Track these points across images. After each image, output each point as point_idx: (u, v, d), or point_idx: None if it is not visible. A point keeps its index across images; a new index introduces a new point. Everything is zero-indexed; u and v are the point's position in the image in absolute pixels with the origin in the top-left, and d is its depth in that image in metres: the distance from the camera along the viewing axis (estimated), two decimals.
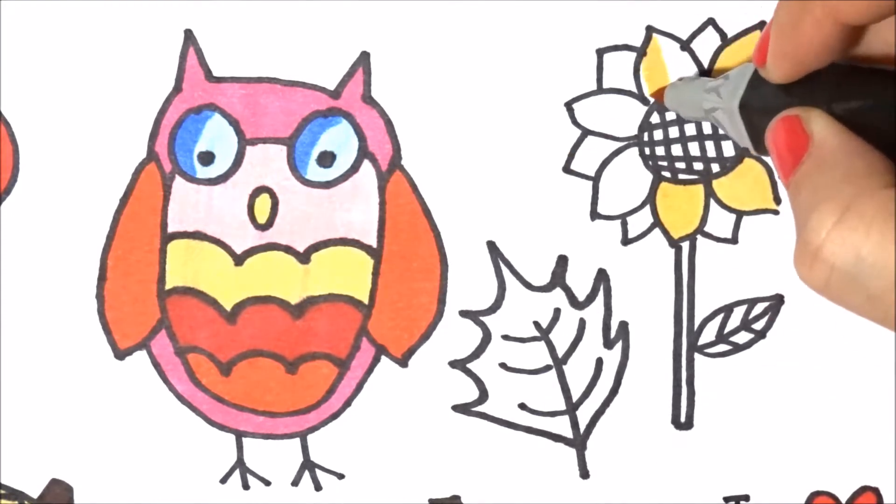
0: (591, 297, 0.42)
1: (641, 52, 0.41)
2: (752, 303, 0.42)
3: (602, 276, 0.42)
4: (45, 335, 0.42)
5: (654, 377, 0.42)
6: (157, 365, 0.42)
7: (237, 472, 0.43)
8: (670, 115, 0.42)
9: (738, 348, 0.42)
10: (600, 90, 0.42)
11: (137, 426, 0.42)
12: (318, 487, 0.43)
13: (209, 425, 0.43)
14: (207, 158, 0.42)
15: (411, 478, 0.43)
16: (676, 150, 0.42)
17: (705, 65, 0.41)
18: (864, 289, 0.27)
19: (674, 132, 0.42)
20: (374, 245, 0.42)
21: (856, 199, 0.27)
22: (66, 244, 0.42)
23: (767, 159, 0.42)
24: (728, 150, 0.42)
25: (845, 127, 0.29)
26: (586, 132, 0.42)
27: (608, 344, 0.42)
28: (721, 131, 0.41)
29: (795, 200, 0.29)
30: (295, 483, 0.43)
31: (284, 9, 0.41)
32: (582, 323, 0.42)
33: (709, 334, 0.42)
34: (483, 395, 0.42)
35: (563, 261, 0.42)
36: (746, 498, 0.43)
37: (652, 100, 0.41)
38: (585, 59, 0.41)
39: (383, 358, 0.42)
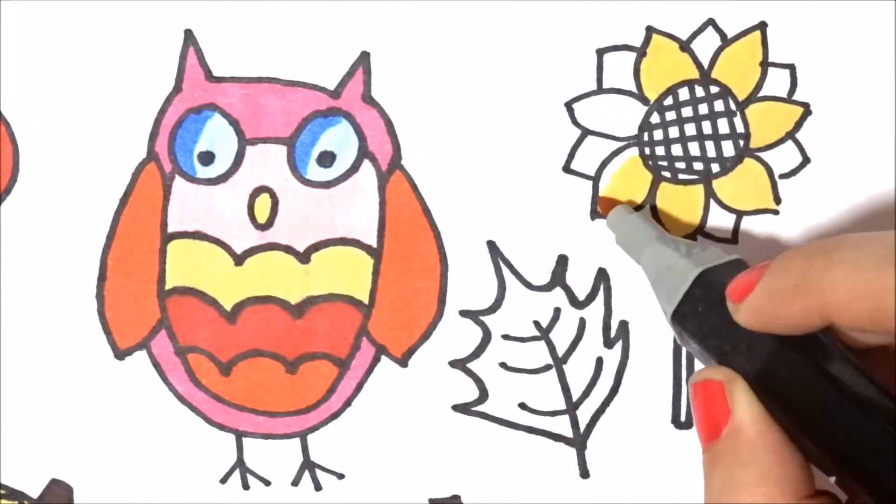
0: (591, 297, 0.42)
1: (641, 52, 0.42)
2: None
3: (602, 276, 0.42)
4: (45, 335, 0.42)
5: (655, 377, 0.42)
6: (157, 365, 0.42)
7: (237, 472, 0.43)
8: (670, 116, 0.42)
9: None
10: (600, 90, 0.42)
11: (137, 426, 0.42)
12: (318, 487, 0.43)
13: (209, 425, 0.43)
14: (207, 158, 0.42)
15: (411, 478, 0.43)
16: (676, 150, 0.42)
17: (705, 65, 0.41)
18: None
19: (674, 132, 0.42)
20: (374, 245, 0.42)
21: None
22: (66, 244, 0.42)
23: (767, 159, 0.42)
24: (728, 150, 0.42)
25: (767, 414, 0.29)
26: (586, 132, 0.42)
27: (608, 343, 0.42)
28: (721, 131, 0.41)
29: (709, 475, 0.29)
30: (295, 483, 0.43)
31: (284, 9, 0.41)
32: (582, 322, 0.42)
33: None
34: (483, 395, 0.42)
35: (563, 260, 0.42)
36: None
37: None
38: (585, 59, 0.42)
39: (383, 358, 0.42)
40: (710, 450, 0.29)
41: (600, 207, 0.41)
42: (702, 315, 0.33)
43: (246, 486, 0.43)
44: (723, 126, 0.42)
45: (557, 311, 0.42)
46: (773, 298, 0.29)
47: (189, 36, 0.42)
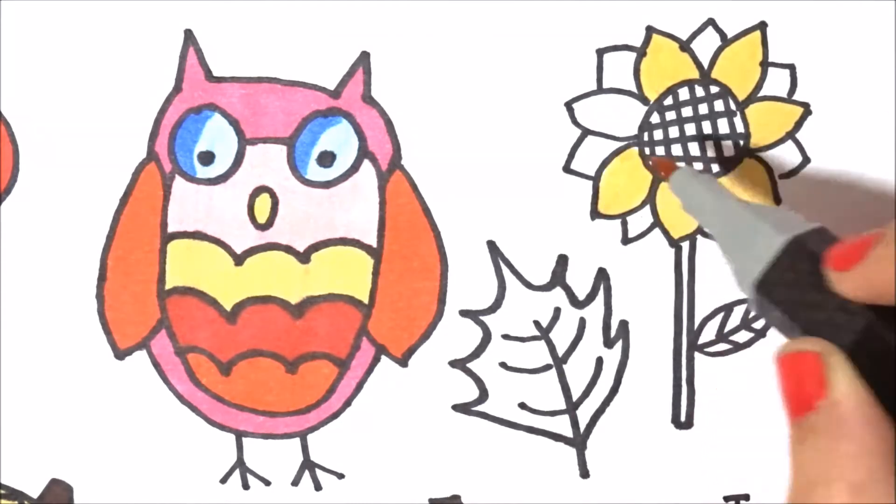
0: (591, 297, 0.42)
1: (641, 52, 0.42)
2: None
3: (602, 276, 0.42)
4: (45, 335, 0.42)
5: (655, 376, 0.42)
6: (157, 365, 0.42)
7: (237, 472, 0.43)
8: (670, 115, 0.42)
9: (738, 347, 0.42)
10: (600, 90, 0.42)
11: (137, 426, 0.42)
12: (318, 487, 0.43)
13: (209, 425, 0.43)
14: (207, 158, 0.42)
15: (411, 478, 0.43)
16: (676, 150, 0.42)
17: (705, 65, 0.41)
18: None
19: (674, 132, 0.42)
20: (374, 245, 0.42)
21: (866, 487, 0.26)
22: (66, 244, 0.42)
23: (767, 159, 0.42)
24: (728, 150, 0.42)
25: (867, 388, 0.27)
26: (586, 132, 0.42)
27: (608, 343, 0.42)
28: (721, 131, 0.41)
29: (798, 450, 0.28)
30: (295, 483, 0.43)
31: (284, 9, 0.41)
32: (582, 322, 0.42)
33: (709, 333, 0.42)
34: (483, 395, 0.42)
35: (563, 260, 0.42)
36: (746, 497, 0.43)
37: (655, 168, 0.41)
38: (585, 59, 0.42)
39: (383, 358, 0.42)
40: (800, 423, 0.28)
41: (659, 168, 0.40)
42: (792, 284, 0.31)
43: (246, 486, 0.43)
44: (723, 126, 0.42)
45: (557, 310, 0.42)
46: (889, 268, 0.27)
47: (189, 36, 0.41)
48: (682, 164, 0.40)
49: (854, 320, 0.29)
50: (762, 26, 0.41)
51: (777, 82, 0.41)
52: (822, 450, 0.27)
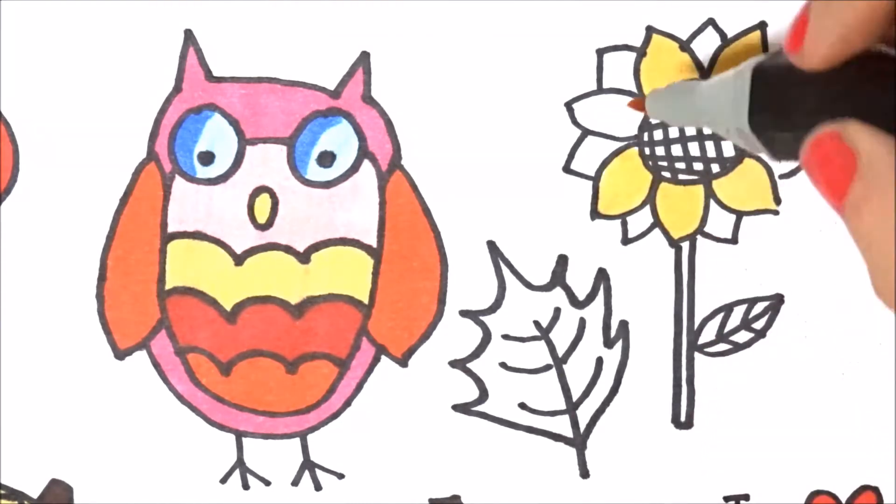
0: (591, 297, 0.42)
1: (641, 52, 0.42)
2: (752, 302, 0.42)
3: (602, 276, 0.42)
4: (45, 335, 0.42)
5: (654, 376, 0.42)
6: (157, 365, 0.42)
7: (237, 472, 0.43)
8: None
9: (738, 347, 0.42)
10: (600, 90, 0.42)
11: (137, 426, 0.42)
12: (318, 487, 0.43)
13: (209, 425, 0.43)
14: (207, 158, 0.42)
15: (411, 478, 0.43)
16: (676, 150, 0.42)
17: (705, 65, 0.41)
18: None
19: (674, 132, 0.42)
20: (374, 245, 0.42)
21: None
22: (66, 244, 0.42)
23: (767, 159, 0.42)
24: (728, 150, 0.42)
25: (889, 135, 0.27)
26: (586, 132, 0.42)
27: (608, 343, 0.42)
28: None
29: (859, 227, 0.27)
30: (295, 483, 0.43)
31: (284, 9, 0.41)
32: (582, 322, 0.42)
33: (709, 333, 0.42)
34: (483, 395, 0.42)
35: (563, 260, 0.42)
36: (746, 497, 0.43)
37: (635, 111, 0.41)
38: (585, 59, 0.42)
39: (383, 358, 0.42)
40: (847, 200, 0.27)
41: (635, 108, 0.40)
42: (778, 103, 0.30)
43: (246, 486, 0.43)
44: None
45: (557, 311, 0.42)
46: (832, 5, 0.27)
47: (189, 36, 0.41)
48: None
49: (845, 100, 0.28)
50: (762, 26, 0.41)
51: None
52: (880, 209, 0.26)
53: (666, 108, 0.38)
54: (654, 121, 0.41)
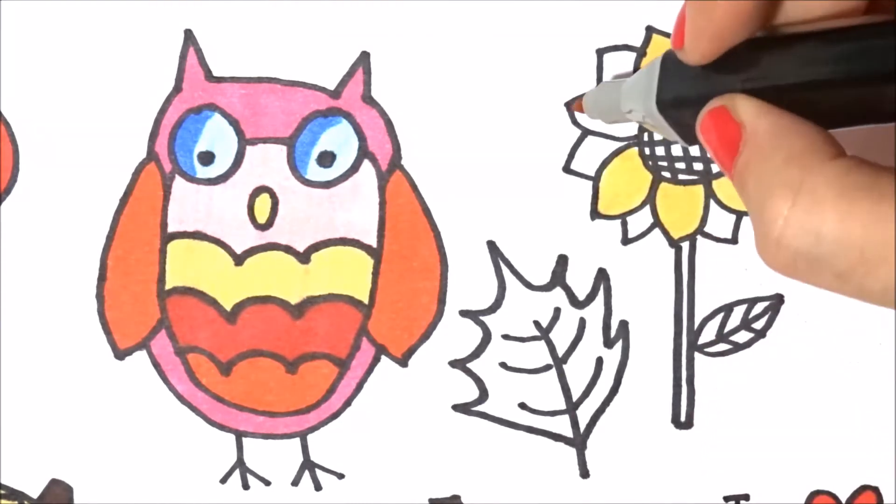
0: (591, 297, 0.42)
1: (641, 52, 0.42)
2: (752, 302, 0.42)
3: (602, 276, 0.42)
4: (45, 335, 0.42)
5: (654, 376, 0.42)
6: (157, 365, 0.42)
7: (237, 472, 0.43)
8: None
9: (738, 347, 0.42)
10: None
11: (137, 426, 0.42)
12: (318, 487, 0.43)
13: (209, 425, 0.43)
14: (207, 158, 0.42)
15: (411, 478, 0.43)
16: (676, 150, 0.42)
17: None
18: (830, 267, 0.27)
19: None
20: (374, 245, 0.42)
21: (804, 180, 0.27)
22: (66, 244, 0.42)
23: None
24: None
25: (773, 106, 0.29)
26: (586, 132, 0.42)
27: (608, 343, 0.42)
28: None
29: (744, 192, 0.29)
30: (295, 483, 0.43)
31: (284, 9, 0.41)
32: (582, 322, 0.42)
33: (709, 333, 0.42)
34: (483, 395, 0.42)
35: (563, 260, 0.42)
36: (746, 497, 0.43)
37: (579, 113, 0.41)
38: (585, 59, 0.42)
39: (383, 358, 0.42)
40: (735, 168, 0.29)
41: (575, 109, 0.40)
42: (678, 85, 0.32)
43: (246, 486, 0.43)
44: None
45: (557, 311, 0.42)
46: (700, 5, 0.29)
47: (189, 36, 0.42)
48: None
49: (733, 70, 0.30)
50: None
51: None
52: (758, 173, 0.28)
53: (597, 106, 0.38)
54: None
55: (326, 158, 0.42)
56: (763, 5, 0.28)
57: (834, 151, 0.27)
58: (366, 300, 0.42)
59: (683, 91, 0.32)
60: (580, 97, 0.39)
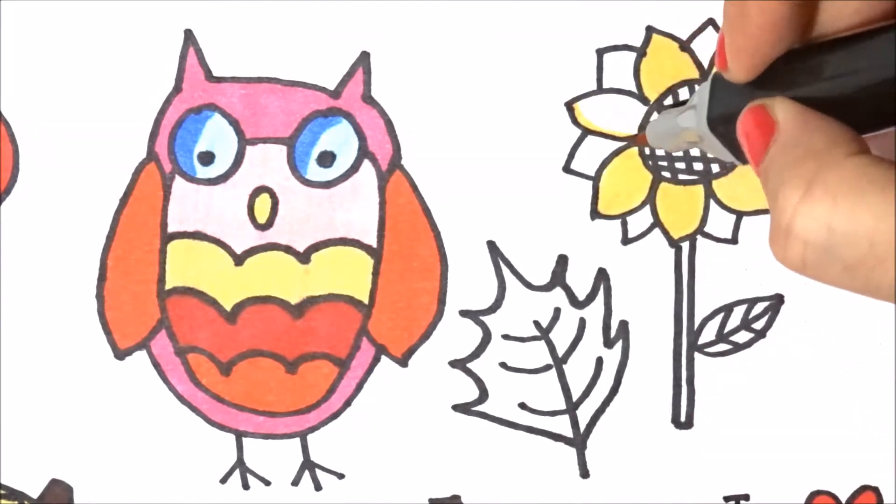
0: (591, 297, 0.42)
1: (641, 52, 0.42)
2: (752, 302, 0.42)
3: (602, 276, 0.42)
4: (45, 335, 0.42)
5: (654, 376, 0.42)
6: (157, 365, 0.42)
7: (237, 472, 0.43)
8: None
9: (738, 348, 0.42)
10: (600, 90, 0.42)
11: (137, 426, 0.42)
12: (318, 487, 0.43)
13: (209, 425, 0.43)
14: (207, 158, 0.42)
15: (411, 478, 0.43)
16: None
17: (705, 65, 0.41)
18: (839, 260, 0.27)
19: None
20: (374, 245, 0.42)
21: (819, 173, 0.27)
22: (66, 244, 0.42)
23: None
24: None
25: (807, 107, 0.29)
26: (586, 132, 0.42)
27: (608, 343, 0.42)
28: None
29: (766, 187, 0.29)
30: (295, 483, 0.43)
31: (284, 9, 0.41)
32: (582, 322, 0.42)
33: (709, 334, 0.42)
34: (483, 395, 0.42)
35: (563, 260, 0.42)
36: (746, 497, 0.43)
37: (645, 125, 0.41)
38: (585, 59, 0.42)
39: (383, 358, 0.42)
40: (761, 166, 0.29)
41: (640, 141, 0.41)
42: (727, 103, 0.33)
43: (246, 486, 0.43)
44: None
45: (557, 311, 0.42)
46: (736, 24, 0.29)
47: (189, 36, 0.42)
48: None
49: (782, 77, 0.30)
50: None
51: None
52: (777, 168, 0.28)
53: (657, 136, 0.39)
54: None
55: (326, 158, 0.42)
56: (797, 15, 0.29)
57: (854, 148, 0.27)
58: (366, 300, 0.42)
59: (731, 107, 0.32)
60: (643, 131, 0.40)
